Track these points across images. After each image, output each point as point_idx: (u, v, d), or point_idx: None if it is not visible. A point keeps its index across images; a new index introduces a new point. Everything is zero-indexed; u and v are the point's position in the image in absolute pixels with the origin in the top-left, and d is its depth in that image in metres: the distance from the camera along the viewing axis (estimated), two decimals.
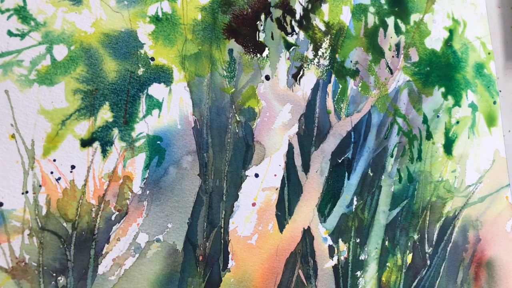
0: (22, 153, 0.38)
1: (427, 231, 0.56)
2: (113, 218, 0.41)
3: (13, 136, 0.38)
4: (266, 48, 0.50)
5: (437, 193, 0.58)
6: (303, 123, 0.51)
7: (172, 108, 0.45)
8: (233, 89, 0.48)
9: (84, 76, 0.41)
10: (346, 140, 0.53)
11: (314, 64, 0.53)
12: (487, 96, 0.63)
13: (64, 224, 0.39)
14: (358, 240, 0.52)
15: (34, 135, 0.39)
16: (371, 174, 0.54)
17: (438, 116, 0.59)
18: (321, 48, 0.53)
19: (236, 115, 0.48)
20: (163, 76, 0.45)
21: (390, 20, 0.58)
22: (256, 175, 0.48)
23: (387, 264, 0.53)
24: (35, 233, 0.38)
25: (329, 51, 0.54)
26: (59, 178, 0.39)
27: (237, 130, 0.47)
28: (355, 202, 0.52)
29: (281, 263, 0.47)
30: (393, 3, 0.59)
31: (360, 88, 0.55)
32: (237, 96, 0.48)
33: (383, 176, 0.55)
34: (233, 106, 0.48)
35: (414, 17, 0.60)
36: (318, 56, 0.53)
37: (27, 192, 0.38)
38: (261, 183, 0.48)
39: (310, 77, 0.52)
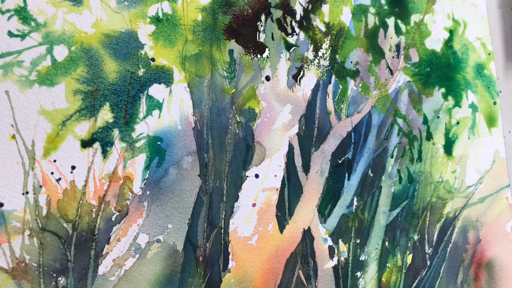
0: (23, 154, 0.38)
1: (427, 232, 0.56)
2: (113, 218, 0.41)
3: (13, 137, 0.38)
4: (267, 49, 0.50)
5: (437, 193, 0.58)
6: (304, 124, 0.51)
7: (172, 109, 0.45)
8: (234, 89, 0.48)
9: (84, 76, 0.41)
10: (346, 141, 0.53)
11: (314, 64, 0.53)
12: (487, 97, 0.63)
13: (65, 225, 0.39)
14: (358, 241, 0.52)
15: (34, 136, 0.39)
16: (371, 175, 0.54)
17: (438, 117, 0.59)
18: (322, 48, 0.53)
19: (236, 115, 0.48)
20: (164, 76, 0.45)
21: (391, 21, 0.58)
22: (257, 176, 0.48)
23: (387, 265, 0.53)
24: (36, 234, 0.38)
25: (329, 51, 0.54)
26: (60, 179, 0.39)
27: (237, 131, 0.47)
28: (355, 203, 0.52)
29: (281, 263, 0.47)
30: (393, 4, 0.59)
31: (360, 89, 0.55)
32: (237, 97, 0.48)
33: (383, 177, 0.55)
34: (234, 106, 0.48)
35: (415, 18, 0.60)
36: (318, 57, 0.53)
37: (27, 192, 0.38)
38: (261, 183, 0.48)
39: (310, 77, 0.52)
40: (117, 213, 0.41)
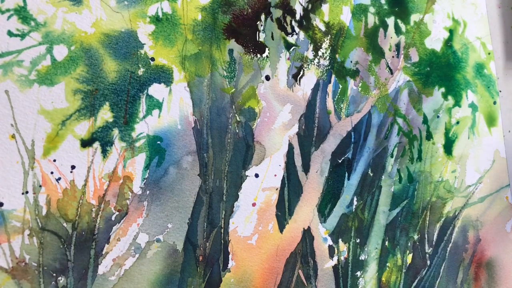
0: (22, 153, 0.38)
1: (427, 231, 0.56)
2: (113, 218, 0.41)
3: (13, 136, 0.38)
4: (266, 48, 0.50)
5: (437, 193, 0.58)
6: (303, 123, 0.51)
7: (172, 108, 0.45)
8: (233, 89, 0.48)
9: (84, 76, 0.41)
10: (346, 140, 0.53)
11: (314, 64, 0.53)
12: (487, 96, 0.63)
13: (64, 224, 0.39)
14: (358, 240, 0.52)
15: (34, 135, 0.39)
16: (371, 174, 0.54)
17: (438, 116, 0.59)
18: (321, 48, 0.53)
19: (236, 115, 0.48)
20: (163, 76, 0.45)
21: (390, 20, 0.58)
22: (256, 175, 0.48)
23: (387, 264, 0.53)
24: (35, 233, 0.38)
25: (329, 51, 0.54)
26: (59, 178, 0.39)
27: (237, 130, 0.47)
28: (355, 202, 0.52)
29: (281, 263, 0.47)
30: (393, 3, 0.59)
31: (360, 88, 0.55)
32: (237, 96, 0.48)
33: (383, 176, 0.55)
34: (233, 106, 0.48)
35: (414, 17, 0.60)
36: (318, 56, 0.53)
37: (27, 192, 0.38)
38: (261, 183, 0.48)
39: (310, 77, 0.52)
40: (117, 213, 0.41)
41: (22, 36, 0.39)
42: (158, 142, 0.44)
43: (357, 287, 0.51)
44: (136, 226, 0.42)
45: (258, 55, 0.50)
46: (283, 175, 0.49)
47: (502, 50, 0.65)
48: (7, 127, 0.38)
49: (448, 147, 0.59)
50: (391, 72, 0.57)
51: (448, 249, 0.57)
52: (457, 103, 0.61)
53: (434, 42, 0.60)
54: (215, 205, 0.45)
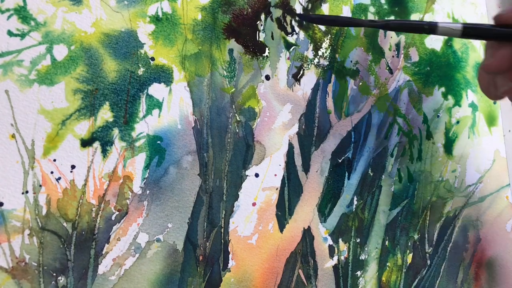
0: (22, 153, 0.38)
1: (427, 231, 0.56)
2: (113, 218, 0.41)
3: (13, 136, 0.38)
4: (266, 48, 0.50)
5: (437, 193, 0.58)
6: (303, 123, 0.51)
7: (172, 108, 0.45)
8: (233, 89, 0.48)
9: (84, 76, 0.41)
10: (346, 140, 0.53)
11: (314, 64, 0.53)
12: None
13: (64, 224, 0.39)
14: (358, 240, 0.52)
15: (34, 135, 0.39)
16: (371, 174, 0.54)
17: (438, 116, 0.59)
18: (321, 48, 0.53)
19: (236, 115, 0.48)
20: (163, 76, 0.45)
21: None
22: (256, 175, 0.48)
23: (387, 264, 0.53)
24: (35, 233, 0.38)
25: (329, 51, 0.54)
26: (59, 178, 0.39)
27: (237, 130, 0.47)
28: (355, 202, 0.52)
29: (281, 263, 0.47)
30: (393, 3, 0.59)
31: (360, 88, 0.55)
32: (237, 96, 0.48)
33: (383, 176, 0.55)
34: (233, 106, 0.48)
35: (414, 17, 0.60)
36: (318, 56, 0.53)
37: (27, 192, 0.38)
38: (261, 183, 0.48)
39: (310, 77, 0.52)
40: (117, 213, 0.41)
41: (22, 36, 0.39)
42: (158, 142, 0.44)
43: (357, 286, 0.51)
44: (136, 226, 0.42)
45: (258, 55, 0.50)
46: (283, 175, 0.49)
47: None
48: (7, 126, 0.38)
49: (448, 147, 0.59)
50: (391, 72, 0.57)
51: (448, 248, 0.57)
52: (457, 103, 0.61)
53: (434, 41, 0.60)
54: (215, 205, 0.45)
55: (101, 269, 0.40)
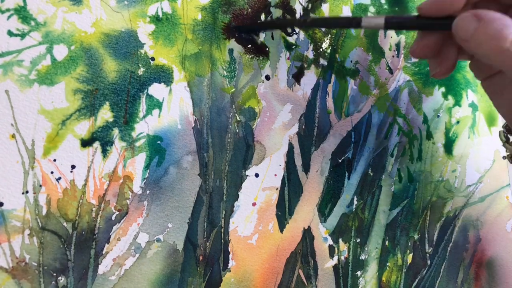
0: (22, 153, 0.38)
1: (427, 231, 0.56)
2: (113, 218, 0.41)
3: (13, 136, 0.38)
4: (266, 48, 0.50)
5: (438, 193, 0.58)
6: (303, 123, 0.51)
7: (172, 108, 0.45)
8: (233, 89, 0.48)
9: (84, 76, 0.41)
10: (346, 140, 0.53)
11: (314, 64, 0.53)
12: (487, 96, 0.63)
13: (65, 224, 0.39)
14: (358, 240, 0.52)
15: (34, 135, 0.39)
16: (372, 174, 0.54)
17: (438, 116, 0.59)
18: (321, 48, 0.53)
19: (236, 115, 0.48)
20: (163, 76, 0.45)
21: None
22: (256, 175, 0.48)
23: (388, 264, 0.53)
24: (36, 233, 0.38)
25: (329, 51, 0.54)
26: (59, 178, 0.39)
27: (237, 130, 0.47)
28: (355, 202, 0.52)
29: (281, 263, 0.47)
30: (393, 3, 0.59)
31: (360, 88, 0.55)
32: (237, 96, 0.48)
33: (383, 176, 0.55)
34: (233, 106, 0.48)
35: None
36: (318, 56, 0.53)
37: (27, 192, 0.38)
38: (261, 183, 0.48)
39: (310, 77, 0.52)
40: (117, 213, 0.41)
41: (22, 36, 0.39)
42: (158, 142, 0.44)
43: (358, 286, 0.51)
44: (136, 226, 0.42)
45: (258, 55, 0.50)
46: (283, 175, 0.49)
47: None
48: (7, 127, 0.38)
49: (448, 147, 0.60)
50: (391, 72, 0.57)
51: (449, 248, 0.57)
52: (457, 103, 0.61)
53: None
54: (215, 205, 0.45)
55: (101, 269, 0.40)
